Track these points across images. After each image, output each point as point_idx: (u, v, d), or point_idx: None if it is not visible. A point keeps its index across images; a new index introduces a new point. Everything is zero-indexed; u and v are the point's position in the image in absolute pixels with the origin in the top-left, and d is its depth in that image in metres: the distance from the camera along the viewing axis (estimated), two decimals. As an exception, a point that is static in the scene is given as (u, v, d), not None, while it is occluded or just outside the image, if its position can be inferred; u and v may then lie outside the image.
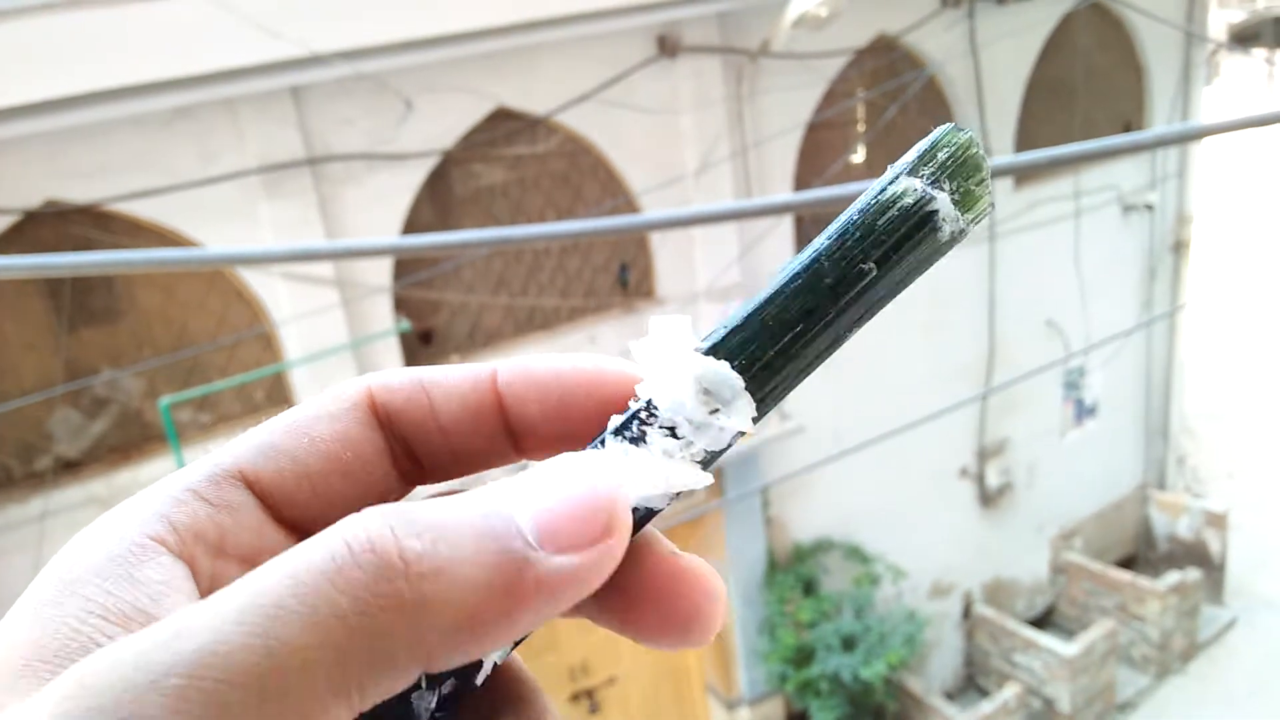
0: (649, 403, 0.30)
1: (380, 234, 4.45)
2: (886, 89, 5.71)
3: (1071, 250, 6.70)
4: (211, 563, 0.28)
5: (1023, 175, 6.36)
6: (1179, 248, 7.62)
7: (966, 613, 7.23)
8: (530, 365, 0.32)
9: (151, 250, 3.81)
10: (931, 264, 0.31)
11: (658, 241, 5.32)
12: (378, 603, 0.22)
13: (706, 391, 0.30)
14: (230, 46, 3.61)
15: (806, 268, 0.31)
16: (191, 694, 0.20)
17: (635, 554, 0.29)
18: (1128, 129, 6.95)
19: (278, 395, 4.64)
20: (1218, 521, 7.74)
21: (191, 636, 0.21)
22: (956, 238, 0.31)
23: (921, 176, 0.31)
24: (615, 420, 0.30)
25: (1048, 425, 7.40)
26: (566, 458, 0.27)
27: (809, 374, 0.32)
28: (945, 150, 0.31)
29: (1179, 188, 7.48)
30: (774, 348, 0.30)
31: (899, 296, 0.32)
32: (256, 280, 4.30)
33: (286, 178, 4.15)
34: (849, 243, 0.30)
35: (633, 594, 0.29)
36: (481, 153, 4.75)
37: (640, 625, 0.29)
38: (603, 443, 0.30)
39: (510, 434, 0.32)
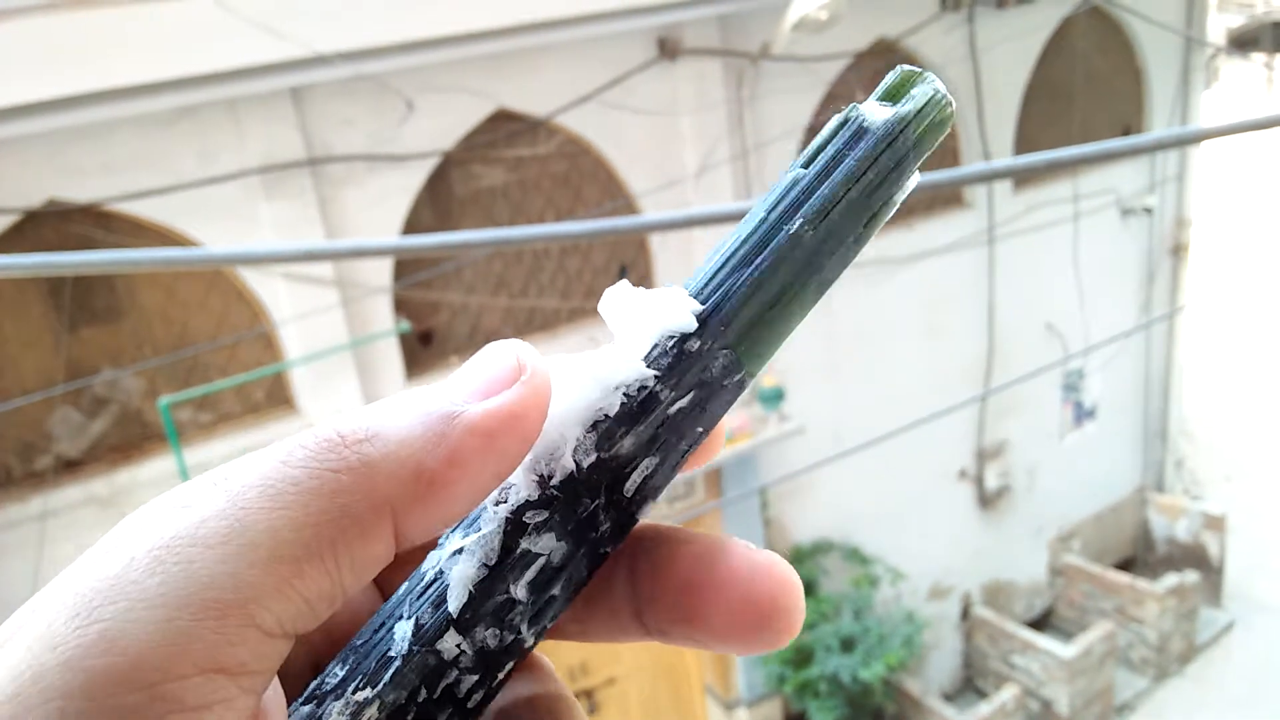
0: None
1: (380, 235, 4.46)
2: (886, 92, 5.71)
3: (1070, 253, 6.71)
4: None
5: (1022, 178, 6.37)
6: (1178, 251, 7.64)
7: (965, 614, 7.24)
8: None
9: (152, 250, 3.82)
10: (898, 186, 0.30)
11: (658, 243, 5.33)
12: (325, 467, 0.24)
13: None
14: (232, 46, 3.62)
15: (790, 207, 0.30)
16: (165, 557, 0.22)
17: (710, 554, 0.30)
18: (1127, 133, 6.96)
19: (278, 395, 4.64)
20: (1216, 524, 7.75)
21: (170, 522, 0.23)
22: (902, 152, 0.30)
23: (886, 104, 0.31)
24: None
25: (1047, 428, 7.41)
26: None
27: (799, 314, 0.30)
28: (897, 77, 0.31)
29: (1178, 191, 7.49)
30: (743, 282, 0.29)
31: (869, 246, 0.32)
32: (257, 280, 4.31)
33: (287, 178, 4.16)
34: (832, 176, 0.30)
35: (709, 594, 0.29)
36: (482, 154, 4.76)
37: (720, 627, 0.29)
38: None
39: None
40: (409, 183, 4.54)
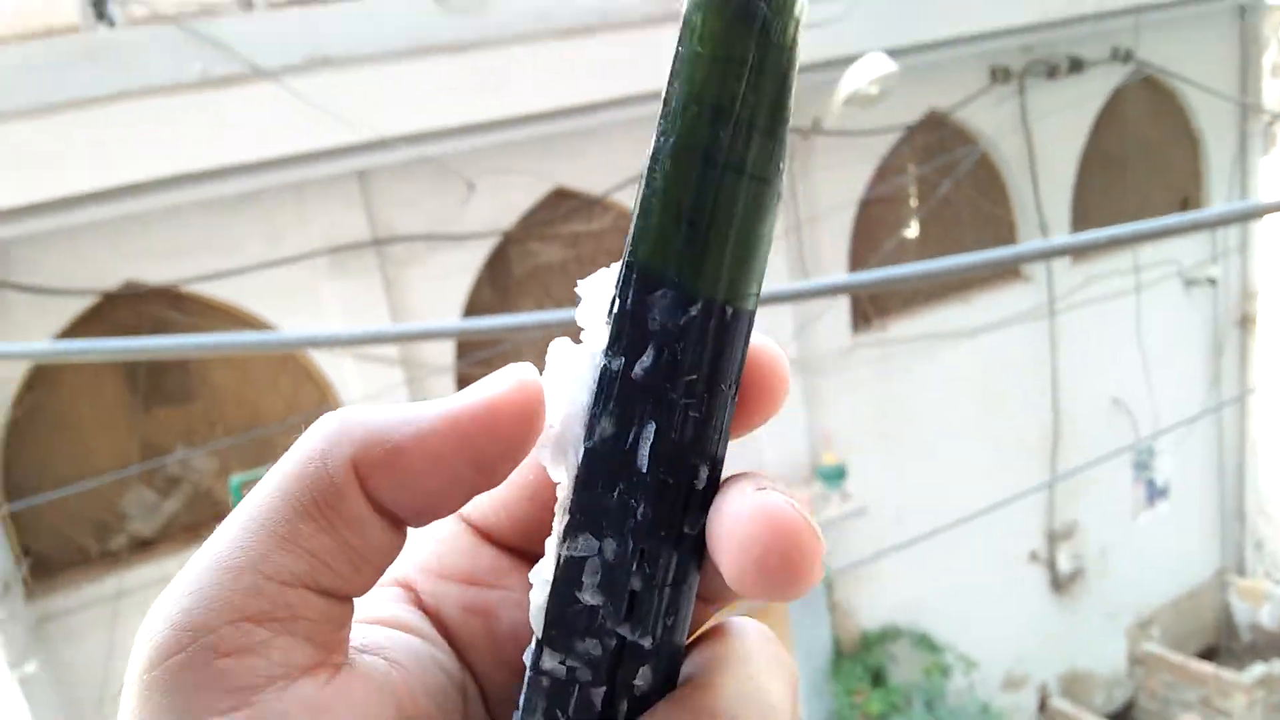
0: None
1: (442, 312, 4.53)
2: (939, 164, 5.75)
3: (1134, 326, 6.60)
4: (433, 585, 0.32)
5: (1080, 252, 6.32)
6: (1245, 323, 7.47)
7: (1042, 706, 6.93)
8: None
9: (225, 334, 3.92)
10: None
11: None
12: (308, 442, 0.28)
13: None
14: (300, 132, 3.76)
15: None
16: (203, 554, 0.27)
17: (720, 497, 0.29)
18: (1185, 202, 6.90)
19: (339, 474, 4.67)
20: (1304, 608, 7.40)
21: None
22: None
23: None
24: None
25: (1118, 507, 7.18)
26: None
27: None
28: None
29: (1242, 262, 7.37)
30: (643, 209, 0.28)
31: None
32: (325, 360, 4.39)
33: (352, 258, 4.26)
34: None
35: (713, 539, 0.28)
36: (539, 231, 4.85)
37: (724, 571, 0.28)
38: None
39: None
40: (470, 261, 4.62)
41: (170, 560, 4.28)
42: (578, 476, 0.28)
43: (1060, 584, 6.99)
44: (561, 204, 4.81)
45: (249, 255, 4.11)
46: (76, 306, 3.95)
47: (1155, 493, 7.43)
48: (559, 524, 0.28)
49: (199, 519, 4.46)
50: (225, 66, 3.57)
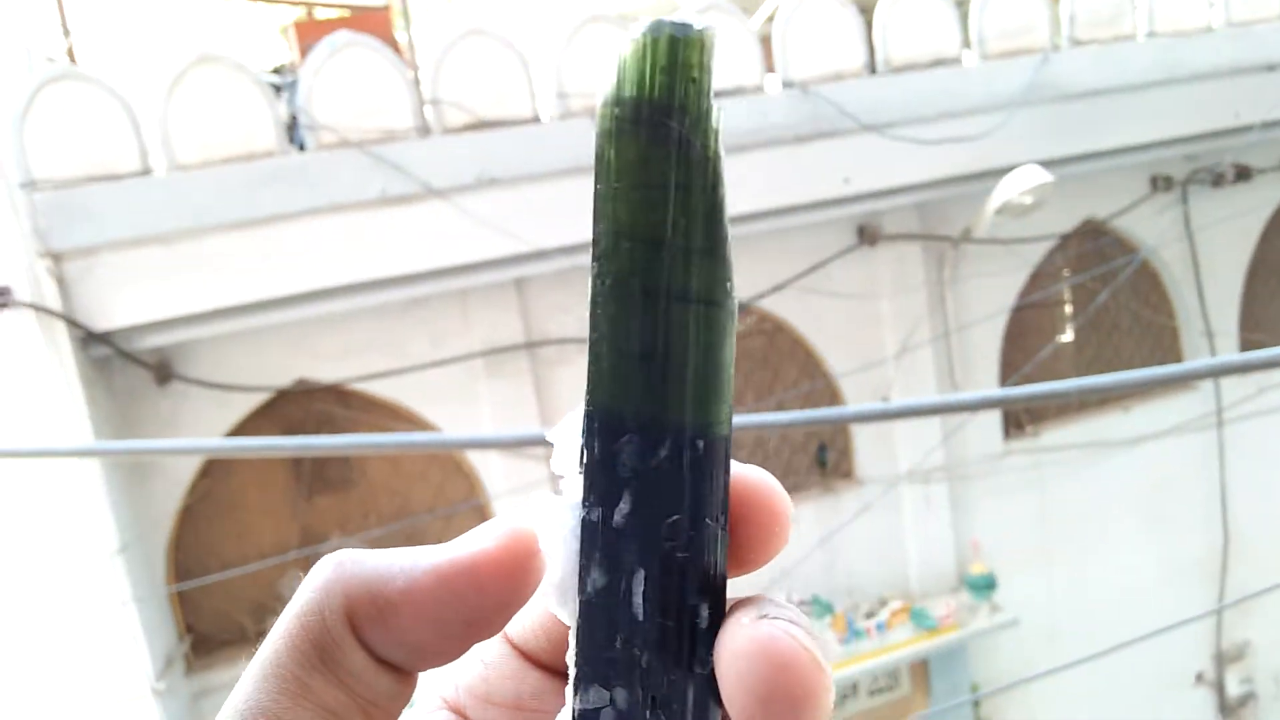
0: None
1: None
2: (1096, 273, 5.59)
3: (1311, 437, 6.19)
4: (481, 710, 0.31)
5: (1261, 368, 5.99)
6: None
7: (1209, 843, 6.41)
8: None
9: (387, 435, 4.13)
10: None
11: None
12: (312, 581, 0.28)
13: None
14: (466, 244, 3.98)
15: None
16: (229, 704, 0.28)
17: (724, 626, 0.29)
18: (1369, 309, 6.48)
19: (485, 566, 4.80)
20: None
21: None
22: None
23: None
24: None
25: (1295, 628, 6.66)
26: None
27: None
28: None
29: None
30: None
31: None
32: (475, 454, 4.55)
33: (507, 360, 4.44)
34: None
35: (719, 678, 0.28)
36: (685, 336, 4.93)
37: (727, 705, 0.28)
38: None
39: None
40: (617, 364, 4.73)
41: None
42: (578, 629, 0.27)
43: (1229, 709, 6.50)
44: (708, 309, 4.89)
45: (412, 356, 4.33)
46: (252, 402, 4.24)
47: (1338, 616, 6.86)
48: (570, 675, 0.27)
49: (352, 604, 4.65)
50: (402, 186, 3.83)
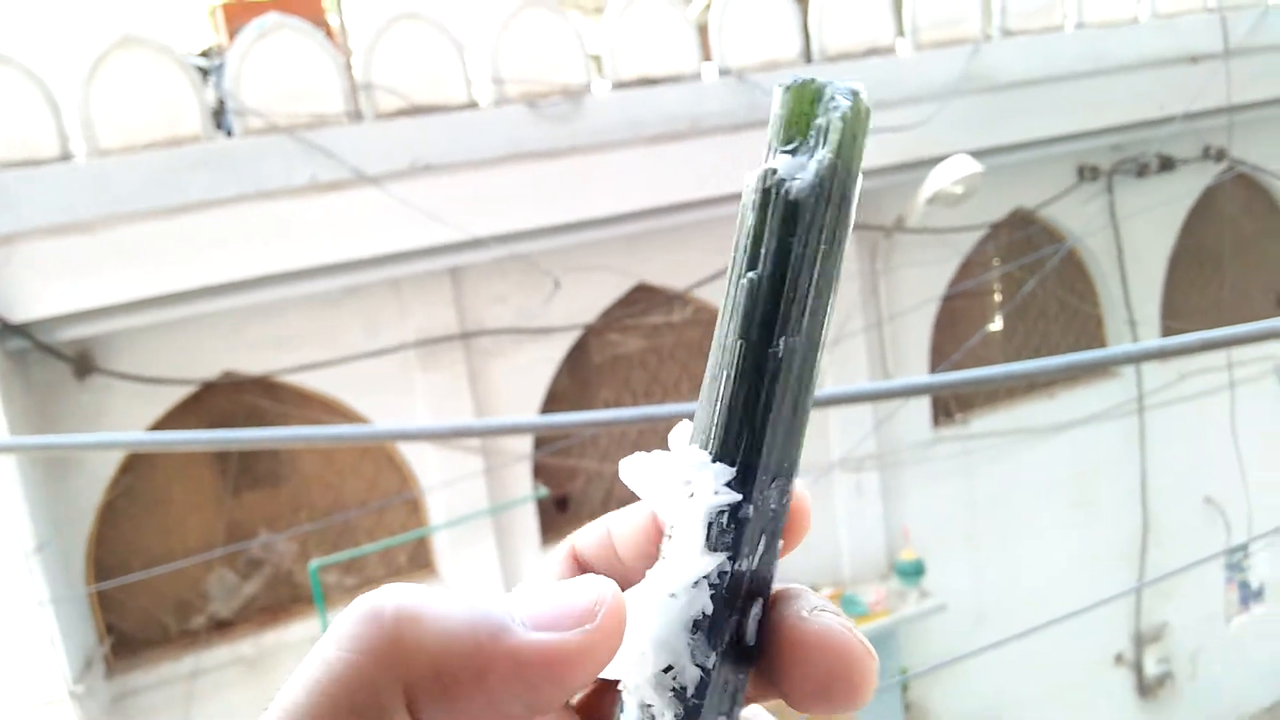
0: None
1: (523, 402, 4.60)
2: (1025, 262, 5.70)
3: (1228, 423, 6.39)
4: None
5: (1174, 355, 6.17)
6: (1346, 420, 7.19)
7: (1129, 815, 6.62)
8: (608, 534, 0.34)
9: (315, 427, 4.04)
10: (849, 217, 0.29)
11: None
12: (355, 649, 0.25)
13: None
14: (399, 233, 3.90)
15: (737, 345, 0.30)
16: None
17: (776, 616, 0.30)
18: (1281, 299, 6.72)
19: (420, 558, 4.74)
20: None
21: None
22: (842, 190, 0.29)
23: (769, 155, 0.29)
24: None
25: (1210, 609, 6.90)
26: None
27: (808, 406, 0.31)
28: (779, 114, 0.29)
29: (1342, 358, 7.12)
30: (761, 424, 0.29)
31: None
32: (408, 448, 4.48)
33: (441, 351, 4.37)
34: (736, 266, 0.29)
35: (773, 657, 0.30)
36: (620, 324, 4.92)
37: (786, 690, 0.30)
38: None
39: None
40: (552, 354, 4.70)
41: (245, 641, 4.37)
42: (703, 681, 0.29)
43: (1148, 688, 6.72)
44: (643, 298, 4.88)
45: (345, 348, 4.24)
46: (177, 395, 4.11)
47: (1249, 595, 7.12)
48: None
49: (277, 601, 4.55)
50: (333, 172, 3.74)
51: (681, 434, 0.31)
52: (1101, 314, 6.15)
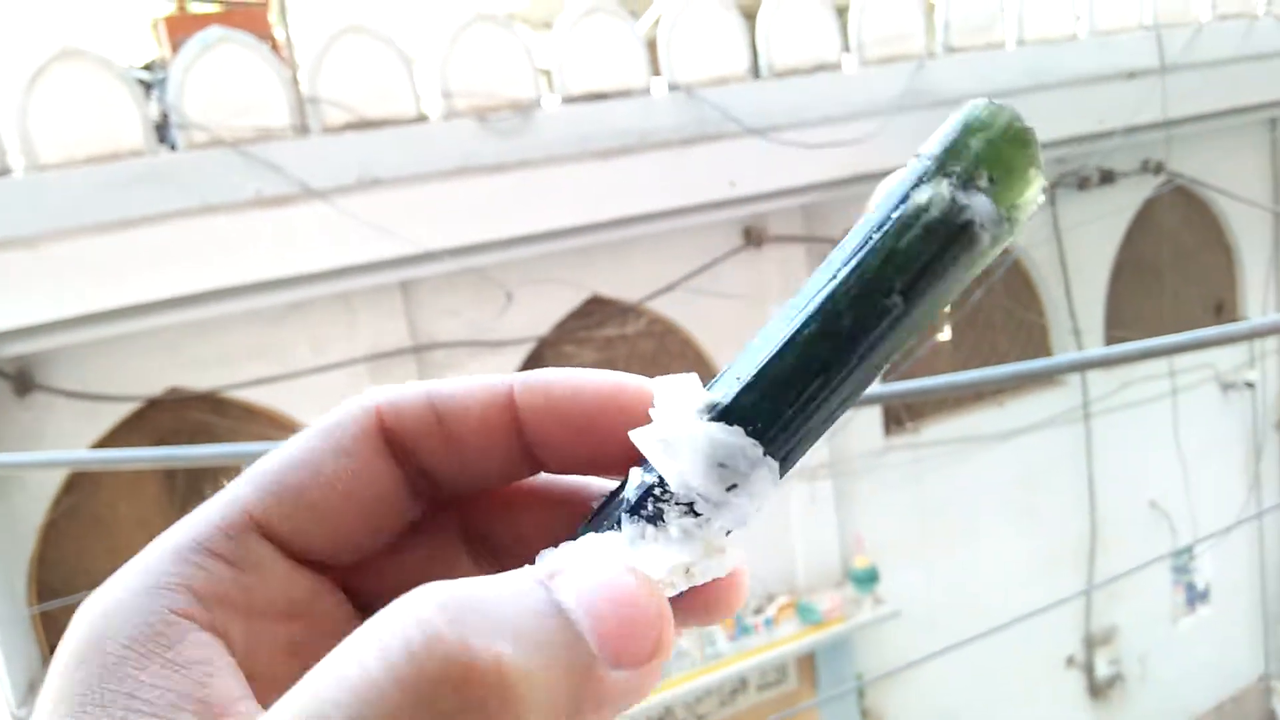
0: (661, 479, 0.26)
1: (477, 417, 4.59)
2: (971, 273, 5.79)
3: (1171, 430, 6.54)
4: (244, 625, 0.25)
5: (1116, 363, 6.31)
6: (1284, 426, 7.38)
7: (1081, 817, 6.72)
8: (550, 383, 0.29)
9: (262, 444, 4.00)
10: (974, 275, 0.27)
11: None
12: (451, 709, 0.20)
13: (721, 465, 0.26)
14: (348, 247, 3.88)
15: (819, 310, 0.26)
16: None
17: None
18: (1220, 308, 6.89)
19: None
20: (1354, 720, 7.16)
21: None
22: (1000, 240, 0.26)
23: (951, 175, 0.26)
24: (630, 492, 0.27)
25: (1158, 611, 7.04)
26: (603, 555, 0.26)
27: (831, 426, 0.28)
28: (979, 137, 0.26)
29: None
30: (791, 406, 0.26)
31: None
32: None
33: (392, 365, 4.35)
34: (867, 275, 0.26)
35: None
36: (574, 336, 4.93)
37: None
38: (619, 522, 0.27)
39: (526, 449, 0.30)
40: (505, 365, 4.70)
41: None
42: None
43: (1099, 690, 6.83)
44: (597, 310, 4.90)
45: (293, 363, 4.21)
46: (121, 412, 4.06)
47: (1195, 597, 7.27)
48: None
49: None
50: (279, 187, 3.71)
51: (669, 386, 0.28)
52: (1047, 324, 6.26)
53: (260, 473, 0.27)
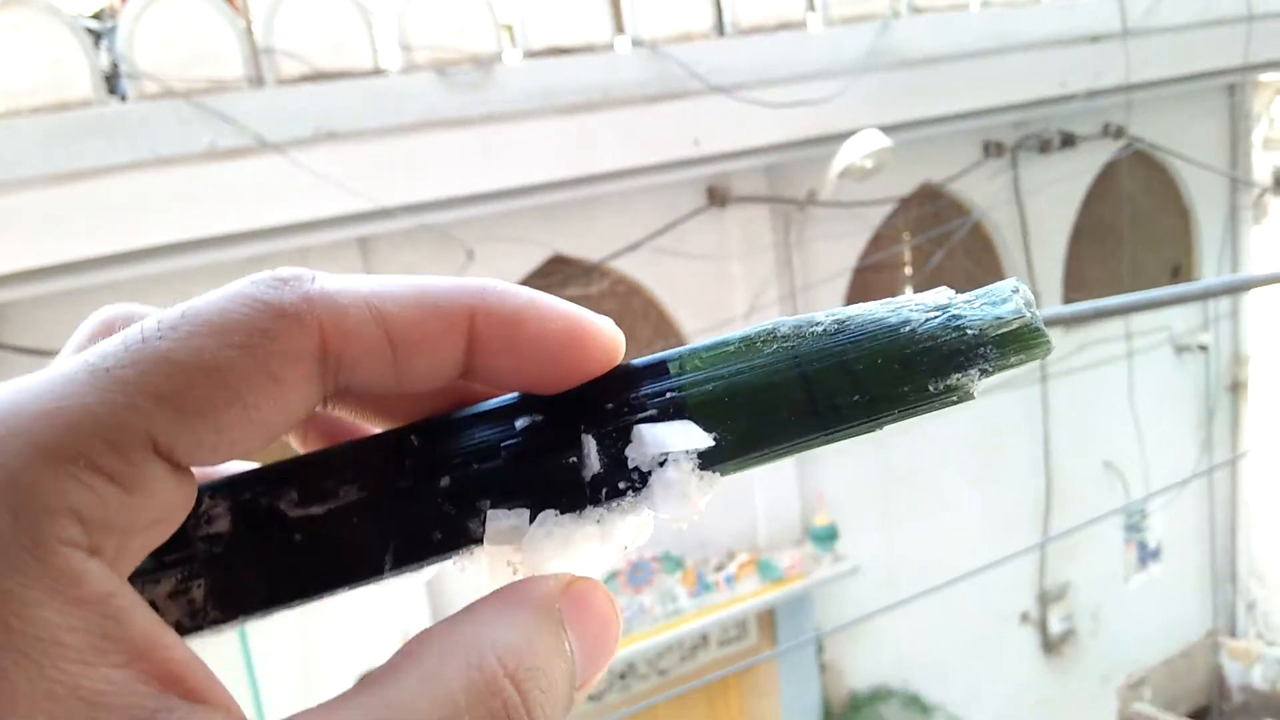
0: (622, 460, 0.27)
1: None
2: (933, 235, 5.83)
3: (1125, 391, 6.65)
4: (117, 545, 0.22)
5: (1072, 322, 6.38)
6: (1236, 388, 7.52)
7: (1032, 767, 6.90)
8: (518, 319, 0.28)
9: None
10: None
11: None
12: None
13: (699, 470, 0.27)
14: (304, 202, 3.82)
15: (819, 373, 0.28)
16: None
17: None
18: (1176, 272, 6.98)
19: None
20: (1295, 672, 7.38)
21: None
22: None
23: (972, 369, 0.29)
24: (594, 464, 0.27)
25: (1110, 569, 7.19)
26: (586, 566, 0.27)
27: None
28: (1003, 338, 0.29)
29: (1233, 328, 7.43)
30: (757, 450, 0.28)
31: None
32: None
33: (351, 322, 4.31)
34: (871, 390, 0.28)
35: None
36: (537, 297, 4.90)
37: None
38: (583, 497, 0.27)
39: (465, 367, 0.28)
40: (467, 325, 4.66)
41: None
42: None
43: (1051, 645, 6.99)
44: (559, 270, 4.88)
45: (250, 319, 4.15)
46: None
47: (1147, 555, 7.44)
48: None
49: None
50: (233, 139, 3.65)
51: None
52: (1007, 286, 6.31)
53: (163, 382, 0.22)
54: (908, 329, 0.28)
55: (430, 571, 0.28)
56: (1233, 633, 8.07)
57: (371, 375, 0.26)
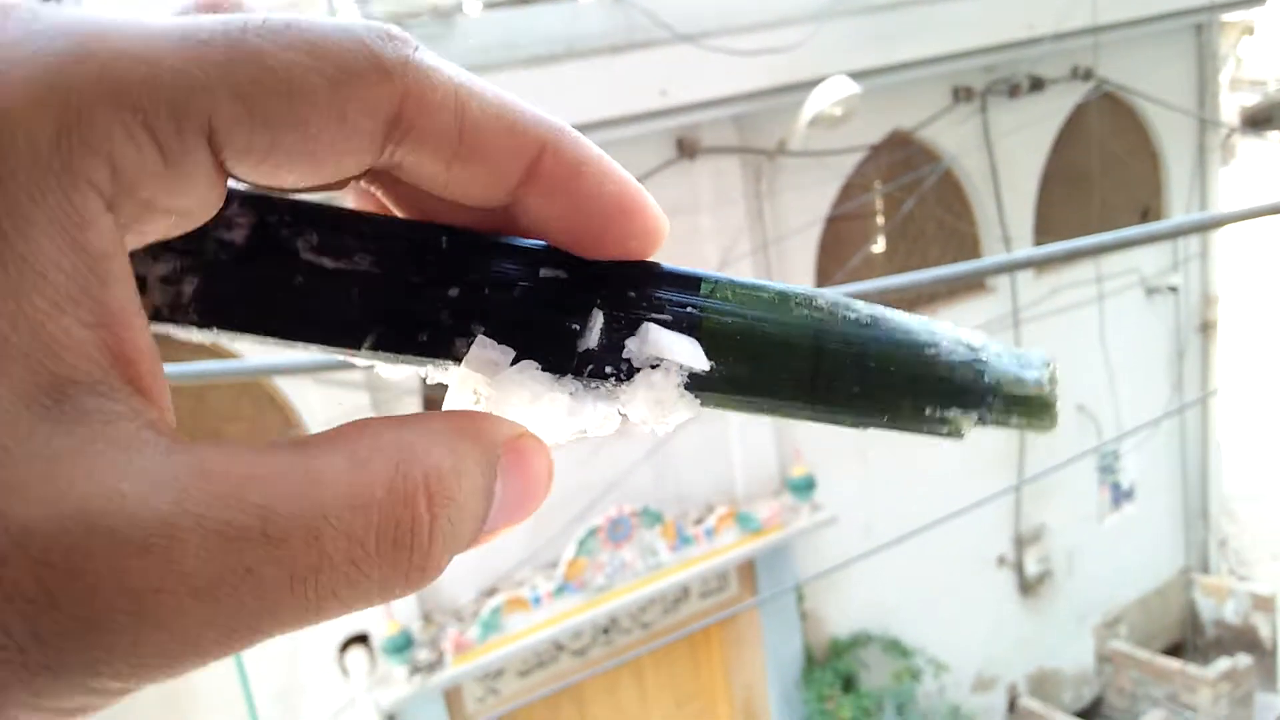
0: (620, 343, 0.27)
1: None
2: (903, 182, 5.81)
3: (1097, 334, 6.70)
4: (133, 210, 0.21)
5: (1043, 264, 6.41)
6: (1206, 329, 7.60)
7: (1012, 706, 7.03)
8: (582, 170, 0.27)
9: (178, 365, 3.91)
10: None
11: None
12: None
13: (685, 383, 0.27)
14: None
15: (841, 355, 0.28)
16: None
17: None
18: (1146, 214, 7.01)
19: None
20: (1265, 605, 7.53)
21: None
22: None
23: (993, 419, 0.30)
24: (592, 340, 0.27)
25: (1084, 510, 7.29)
26: (546, 424, 0.27)
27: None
28: (1025, 404, 0.31)
29: (1202, 269, 7.49)
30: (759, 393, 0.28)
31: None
32: (289, 386, 4.38)
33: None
34: (883, 396, 0.29)
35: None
36: (508, 255, 4.87)
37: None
38: (574, 365, 0.27)
39: (514, 198, 0.27)
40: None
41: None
42: None
43: (1028, 586, 7.09)
44: (529, 226, 4.83)
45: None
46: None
47: (1120, 495, 7.55)
48: None
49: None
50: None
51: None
52: (978, 232, 6.32)
53: (243, 79, 0.21)
54: (932, 350, 0.28)
55: (402, 370, 0.28)
56: (1205, 570, 8.22)
57: (427, 163, 0.24)
